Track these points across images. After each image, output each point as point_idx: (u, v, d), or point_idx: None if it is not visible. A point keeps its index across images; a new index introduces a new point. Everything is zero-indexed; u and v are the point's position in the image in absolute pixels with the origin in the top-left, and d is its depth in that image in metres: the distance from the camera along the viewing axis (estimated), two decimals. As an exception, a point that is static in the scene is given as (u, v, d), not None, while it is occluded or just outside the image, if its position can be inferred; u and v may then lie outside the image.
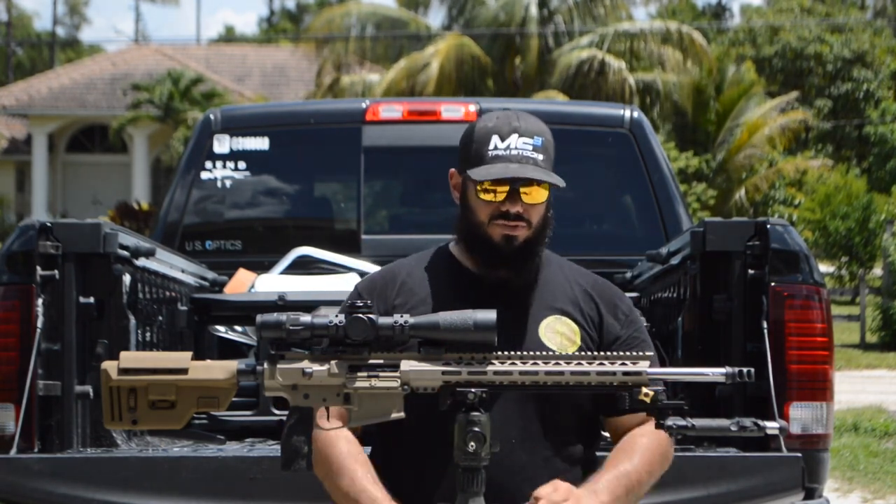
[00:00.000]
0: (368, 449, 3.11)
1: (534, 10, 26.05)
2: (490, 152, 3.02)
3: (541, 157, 3.03)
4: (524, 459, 2.98)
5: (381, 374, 2.75)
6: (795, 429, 4.04)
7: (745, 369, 2.72)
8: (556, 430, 3.04)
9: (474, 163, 3.04)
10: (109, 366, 2.77)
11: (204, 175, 6.17)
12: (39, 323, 4.01)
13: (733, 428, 2.71)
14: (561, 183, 3.01)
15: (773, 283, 4.06)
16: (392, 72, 24.84)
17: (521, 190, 3.00)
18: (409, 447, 3.04)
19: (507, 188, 3.00)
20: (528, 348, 2.91)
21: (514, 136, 3.03)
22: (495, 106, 6.47)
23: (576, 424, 3.08)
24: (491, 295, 3.03)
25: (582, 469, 3.08)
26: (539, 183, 3.02)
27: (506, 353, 2.76)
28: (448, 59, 24.55)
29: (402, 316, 2.75)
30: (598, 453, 3.16)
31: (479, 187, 3.02)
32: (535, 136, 3.04)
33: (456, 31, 26.76)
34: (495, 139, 3.03)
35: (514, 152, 3.01)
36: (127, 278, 4.38)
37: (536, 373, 2.73)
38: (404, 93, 23.73)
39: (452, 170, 3.15)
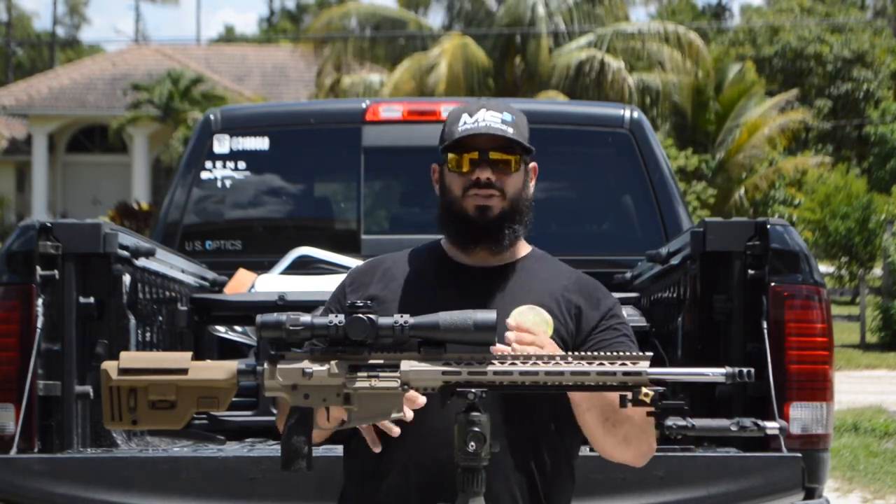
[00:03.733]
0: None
1: (541, 10, 26.02)
2: (460, 128, 3.04)
3: (511, 130, 3.04)
4: (496, 455, 2.97)
5: (381, 374, 2.75)
6: (795, 429, 4.03)
7: (745, 369, 2.71)
8: (529, 425, 3.02)
9: (446, 141, 3.07)
10: (109, 366, 2.77)
11: (204, 175, 6.17)
12: (39, 323, 4.01)
13: (733, 428, 2.71)
14: (529, 147, 3.03)
15: (773, 284, 4.06)
16: (397, 72, 24.80)
17: (491, 156, 3.02)
18: (409, 447, 3.03)
19: (475, 155, 3.02)
20: None
21: (483, 111, 3.06)
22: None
23: (550, 419, 3.05)
24: (469, 280, 3.05)
25: (564, 463, 3.07)
26: (506, 148, 3.02)
27: (506, 353, 2.76)
28: (455, 60, 24.53)
29: (402, 316, 2.75)
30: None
31: (450, 160, 3.05)
32: (504, 112, 3.07)
33: (457, 31, 26.72)
34: (464, 116, 3.06)
35: (482, 124, 3.03)
36: (127, 278, 4.38)
37: (536, 373, 2.73)
38: (412, 94, 23.69)
39: (434, 164, 3.17)
